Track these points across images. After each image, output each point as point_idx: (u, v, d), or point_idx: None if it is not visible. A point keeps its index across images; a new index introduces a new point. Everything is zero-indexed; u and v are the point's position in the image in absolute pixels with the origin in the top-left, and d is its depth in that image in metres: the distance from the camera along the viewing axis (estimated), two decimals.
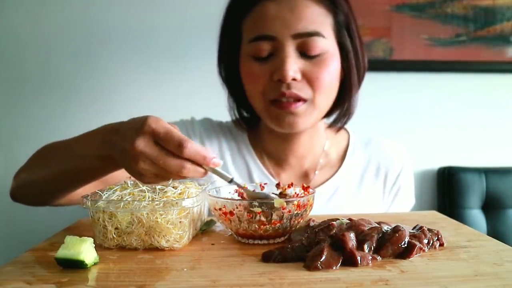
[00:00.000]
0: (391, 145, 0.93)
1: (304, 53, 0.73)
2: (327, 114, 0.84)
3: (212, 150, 0.86)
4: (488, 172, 1.39)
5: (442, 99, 1.43)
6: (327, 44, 0.74)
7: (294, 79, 0.73)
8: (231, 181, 0.56)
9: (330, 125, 0.88)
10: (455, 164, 1.41)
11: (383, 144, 0.92)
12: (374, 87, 1.42)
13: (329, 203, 0.84)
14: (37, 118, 1.32)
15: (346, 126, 0.92)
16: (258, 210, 0.51)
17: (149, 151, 0.51)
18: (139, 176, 0.53)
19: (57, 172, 0.66)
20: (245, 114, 0.89)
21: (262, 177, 0.85)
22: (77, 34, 1.31)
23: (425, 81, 1.42)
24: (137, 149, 0.51)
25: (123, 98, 1.33)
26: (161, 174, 0.53)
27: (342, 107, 0.83)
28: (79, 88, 1.32)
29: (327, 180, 0.86)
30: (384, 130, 1.41)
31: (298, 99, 0.74)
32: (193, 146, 0.51)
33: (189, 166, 0.51)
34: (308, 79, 0.74)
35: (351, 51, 0.78)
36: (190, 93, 1.32)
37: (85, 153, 0.61)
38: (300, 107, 0.74)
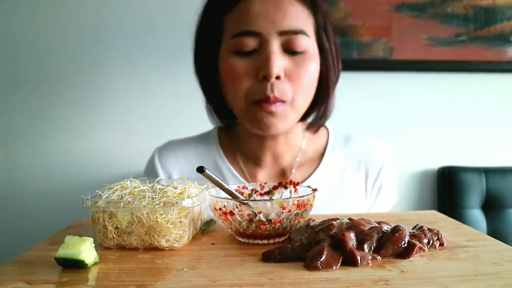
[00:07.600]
0: (371, 141, 0.92)
1: (288, 51, 0.73)
2: (304, 116, 0.83)
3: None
4: (488, 172, 1.39)
5: (442, 99, 1.43)
6: (310, 43, 0.75)
7: (278, 77, 0.72)
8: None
9: (308, 127, 0.87)
10: (455, 164, 1.41)
11: (362, 140, 0.92)
12: (374, 87, 1.42)
13: None
14: (37, 117, 1.31)
15: (326, 123, 0.92)
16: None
17: None
18: None
19: None
20: (218, 118, 0.88)
21: (235, 181, 0.83)
22: (77, 33, 1.31)
23: (425, 81, 1.42)
24: None
25: (123, 96, 1.33)
26: None
27: (319, 109, 0.83)
28: (78, 86, 1.33)
29: (306, 178, 0.85)
30: (384, 129, 1.41)
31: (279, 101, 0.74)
32: None
33: None
34: (290, 78, 0.73)
35: (329, 53, 0.79)
36: (188, 92, 1.32)
37: None
38: (279, 106, 0.74)
